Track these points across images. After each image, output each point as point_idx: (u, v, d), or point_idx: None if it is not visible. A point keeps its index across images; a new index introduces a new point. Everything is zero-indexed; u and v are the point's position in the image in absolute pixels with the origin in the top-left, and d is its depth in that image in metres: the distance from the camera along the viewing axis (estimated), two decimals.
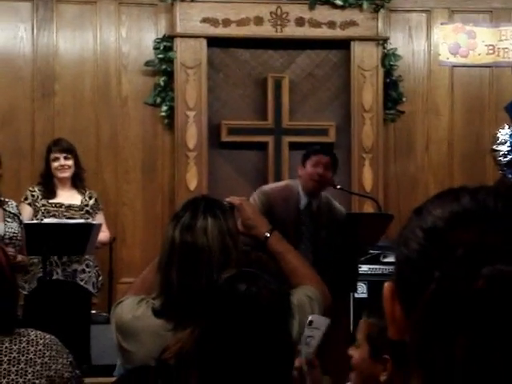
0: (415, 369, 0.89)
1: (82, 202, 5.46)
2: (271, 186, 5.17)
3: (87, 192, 5.53)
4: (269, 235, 2.52)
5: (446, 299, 0.84)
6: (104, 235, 5.46)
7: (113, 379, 2.45)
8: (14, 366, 2.34)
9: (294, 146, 6.71)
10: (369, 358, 2.26)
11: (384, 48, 6.84)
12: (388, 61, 6.83)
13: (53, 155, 5.42)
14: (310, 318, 2.13)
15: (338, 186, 5.39)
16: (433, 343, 0.85)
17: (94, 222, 5.18)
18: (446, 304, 0.84)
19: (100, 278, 5.49)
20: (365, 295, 5.63)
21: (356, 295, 5.46)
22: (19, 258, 4.47)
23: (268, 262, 2.47)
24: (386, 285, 0.92)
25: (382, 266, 5.76)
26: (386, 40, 6.84)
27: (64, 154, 5.41)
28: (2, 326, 2.37)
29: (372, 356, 2.25)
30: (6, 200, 4.63)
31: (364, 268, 5.67)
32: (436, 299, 0.85)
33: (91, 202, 5.50)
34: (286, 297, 1.93)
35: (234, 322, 1.81)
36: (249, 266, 2.11)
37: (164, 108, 6.59)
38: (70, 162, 5.42)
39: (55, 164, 5.40)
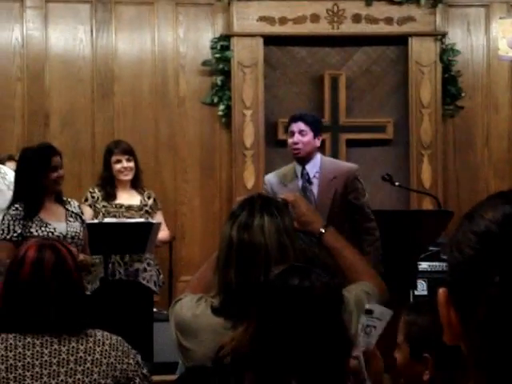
0: (475, 372, 0.88)
1: (141, 202, 5.50)
2: (272, 173, 5.13)
3: (146, 192, 5.57)
4: (324, 231, 2.52)
5: (510, 303, 0.83)
6: (164, 234, 5.49)
7: (175, 377, 2.47)
8: (80, 365, 2.36)
9: (351, 144, 6.69)
10: (409, 359, 2.21)
11: (442, 43, 6.77)
12: (446, 56, 6.76)
13: (115, 157, 5.43)
14: (367, 306, 2.11)
15: (397, 183, 5.36)
16: (496, 347, 0.84)
17: (154, 221, 5.22)
18: (509, 308, 0.83)
19: (161, 277, 5.53)
20: (425, 292, 5.58)
21: (416, 292, 5.42)
22: (81, 256, 4.53)
23: (325, 259, 2.47)
24: (441, 290, 0.91)
25: (441, 263, 5.70)
26: (444, 35, 6.77)
27: (126, 156, 5.43)
28: (70, 327, 2.40)
29: (412, 356, 2.20)
30: (69, 200, 4.68)
31: (424, 265, 5.62)
32: (498, 303, 0.84)
33: (150, 201, 5.54)
34: (339, 289, 1.92)
35: (287, 317, 1.81)
36: (306, 263, 2.11)
37: (221, 107, 6.62)
38: (132, 164, 5.44)
39: (118, 166, 5.42)
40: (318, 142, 4.89)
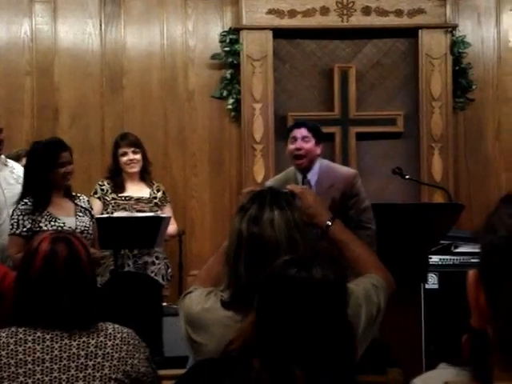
0: (500, 357, 0.87)
1: (150, 195, 5.51)
2: (274, 178, 5.10)
3: (155, 185, 5.57)
4: (330, 224, 2.51)
5: None
6: (172, 228, 5.49)
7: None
8: (90, 360, 2.35)
9: (361, 137, 6.67)
10: None
11: (453, 35, 6.74)
12: (457, 48, 6.73)
13: (121, 150, 5.46)
14: None
15: (407, 176, 5.34)
16: None
17: (164, 215, 5.22)
18: None
19: (169, 270, 5.53)
20: (436, 286, 5.56)
21: (427, 286, 5.40)
22: (92, 250, 4.53)
23: (333, 252, 2.46)
24: (471, 272, 0.90)
25: (452, 257, 5.68)
26: (454, 27, 6.74)
27: (132, 149, 5.45)
28: (80, 321, 2.38)
29: None
30: (78, 195, 4.69)
31: (435, 259, 5.59)
32: None
33: (159, 194, 5.54)
34: (340, 281, 1.91)
35: (286, 307, 1.81)
36: (315, 256, 2.10)
37: (230, 101, 6.61)
38: (139, 156, 5.46)
39: (124, 159, 5.45)
40: (319, 150, 4.82)
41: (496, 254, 0.87)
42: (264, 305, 1.85)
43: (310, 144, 4.76)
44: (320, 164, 4.82)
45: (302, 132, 4.78)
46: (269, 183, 4.93)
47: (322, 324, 1.80)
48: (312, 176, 4.78)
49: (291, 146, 4.76)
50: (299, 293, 1.82)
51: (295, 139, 4.76)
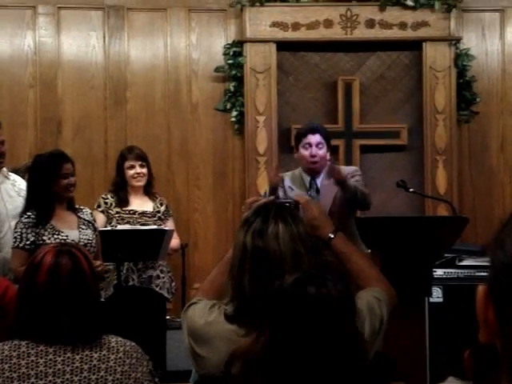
0: (507, 370, 0.86)
1: (154, 209, 5.49)
2: (287, 172, 5.15)
3: (158, 199, 5.56)
4: (333, 236, 2.51)
5: None
6: (175, 242, 5.47)
7: None
8: (94, 374, 2.34)
9: (365, 149, 6.65)
10: None
11: (457, 48, 6.73)
12: (461, 61, 6.72)
13: (128, 163, 5.43)
14: None
15: (411, 189, 5.32)
16: None
17: (167, 228, 5.20)
18: None
19: (173, 284, 5.51)
20: (440, 299, 5.54)
21: (431, 299, 5.38)
22: (97, 263, 4.52)
23: (337, 266, 2.45)
24: (480, 288, 0.89)
25: (457, 270, 5.66)
26: (458, 40, 6.73)
27: (139, 162, 5.44)
28: (83, 334, 2.37)
29: None
30: (81, 207, 4.68)
31: (439, 272, 5.57)
32: None
33: (162, 208, 5.53)
34: (353, 297, 1.91)
35: (303, 325, 1.79)
36: (320, 270, 2.08)
37: (234, 113, 6.60)
38: (145, 170, 5.45)
39: (131, 172, 5.42)
40: (329, 156, 4.96)
41: (504, 270, 0.86)
42: (278, 324, 1.82)
43: (323, 150, 4.89)
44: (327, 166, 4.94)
45: (316, 138, 4.88)
46: (284, 173, 5.00)
47: (337, 341, 1.79)
48: (319, 179, 4.90)
49: (305, 152, 4.86)
50: (317, 310, 1.80)
51: (310, 145, 4.86)
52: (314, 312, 1.80)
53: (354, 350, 1.80)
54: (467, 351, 2.08)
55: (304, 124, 5.44)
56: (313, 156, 4.84)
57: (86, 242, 4.54)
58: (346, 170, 5.04)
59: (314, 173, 4.89)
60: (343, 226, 4.76)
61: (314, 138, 4.88)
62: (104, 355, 2.36)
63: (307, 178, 4.91)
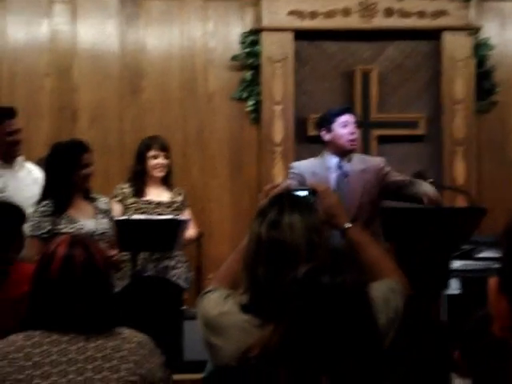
0: None
1: (171, 199, 5.48)
2: (300, 161, 5.19)
3: (175, 189, 5.54)
4: (349, 225, 2.51)
5: None
6: (191, 232, 5.47)
7: None
8: (107, 362, 2.36)
9: (382, 140, 6.63)
10: None
11: (476, 38, 6.68)
12: (480, 51, 6.67)
13: (152, 152, 5.41)
14: None
15: (430, 180, 5.27)
16: None
17: (182, 218, 5.19)
18: None
19: (190, 274, 5.51)
20: (458, 291, 5.51)
21: (449, 291, 5.35)
22: (112, 251, 4.51)
23: (352, 256, 2.45)
24: (492, 280, 0.86)
25: (475, 262, 5.63)
26: (477, 29, 6.67)
27: (164, 153, 5.43)
28: (97, 324, 2.40)
29: None
30: (97, 196, 4.67)
31: (457, 264, 5.54)
32: None
33: (179, 198, 5.51)
34: (367, 286, 1.91)
35: (319, 315, 1.80)
36: (335, 260, 2.08)
37: (250, 102, 6.58)
38: (167, 162, 5.44)
39: (154, 162, 5.40)
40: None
41: None
42: (295, 313, 1.83)
43: (357, 132, 5.03)
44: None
45: (352, 118, 4.98)
46: (298, 164, 5.04)
47: (353, 330, 1.80)
48: (345, 162, 4.94)
49: (344, 131, 4.90)
50: (333, 299, 1.81)
51: (347, 124, 4.92)
52: (329, 301, 1.81)
53: (370, 339, 1.81)
54: (457, 352, 2.08)
55: (330, 108, 5.42)
56: (352, 133, 4.91)
57: (102, 231, 4.53)
58: (372, 159, 5.10)
59: (344, 154, 4.92)
60: (370, 221, 4.78)
61: (351, 118, 4.98)
62: (117, 344, 2.39)
63: (334, 160, 4.93)
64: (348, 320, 1.80)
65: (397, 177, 4.99)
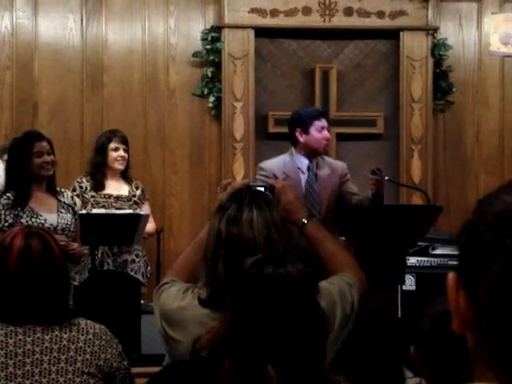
0: (482, 358, 0.86)
1: (129, 193, 5.49)
2: (269, 161, 5.20)
3: (134, 183, 5.56)
4: (306, 221, 2.52)
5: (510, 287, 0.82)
6: (150, 226, 5.48)
7: None
8: (63, 354, 2.35)
9: (341, 137, 6.67)
10: None
11: (434, 38, 6.76)
12: (438, 51, 6.75)
13: (113, 145, 5.43)
14: None
15: (387, 178, 5.34)
16: (501, 336, 0.83)
17: (143, 213, 5.20)
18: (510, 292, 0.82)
19: (149, 268, 5.52)
20: (413, 288, 5.58)
21: (404, 288, 5.42)
22: (75, 245, 4.51)
23: (310, 251, 2.47)
24: (450, 275, 0.90)
25: (430, 259, 5.70)
26: (435, 30, 6.75)
27: (124, 146, 5.45)
28: (54, 315, 2.39)
29: None
30: (62, 190, 4.67)
31: (412, 260, 5.61)
32: (499, 286, 0.83)
33: (138, 192, 5.53)
34: (314, 276, 1.92)
35: (263, 305, 1.81)
36: (287, 253, 2.10)
37: (211, 99, 6.59)
38: (127, 155, 5.47)
39: (114, 154, 5.42)
40: None
41: (472, 251, 0.87)
42: (239, 303, 1.85)
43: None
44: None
45: (326, 123, 5.09)
46: (268, 165, 5.05)
47: (297, 319, 1.81)
48: (314, 164, 5.03)
49: (319, 135, 4.99)
50: (276, 290, 1.82)
51: (323, 128, 5.02)
52: (272, 291, 1.82)
53: (313, 327, 1.82)
54: (413, 348, 2.11)
55: (306, 108, 5.54)
56: (327, 139, 5.03)
57: (64, 226, 4.53)
58: (338, 164, 5.20)
59: (315, 156, 5.01)
60: (333, 223, 4.87)
61: (326, 122, 5.08)
62: (74, 336, 2.37)
63: (305, 162, 4.99)
64: (290, 309, 1.80)
65: (351, 188, 5.08)
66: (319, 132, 4.98)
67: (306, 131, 4.98)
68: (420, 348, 2.08)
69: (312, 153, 5.00)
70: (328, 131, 5.08)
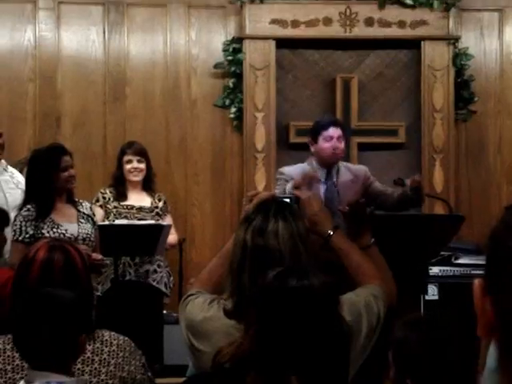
0: (506, 364, 0.87)
1: (152, 204, 5.51)
2: (289, 167, 5.19)
3: (156, 194, 5.58)
4: (332, 233, 2.52)
5: None
6: (172, 237, 5.50)
7: None
8: (87, 365, 2.36)
9: (363, 147, 6.67)
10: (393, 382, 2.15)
11: (455, 47, 6.75)
12: (459, 60, 6.74)
13: (126, 157, 5.47)
14: None
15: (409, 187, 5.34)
16: None
17: (164, 223, 5.22)
18: None
19: (171, 278, 5.53)
20: (435, 297, 5.56)
21: (427, 297, 5.40)
22: (99, 256, 4.53)
23: (337, 262, 2.46)
24: (476, 281, 0.90)
25: (453, 268, 5.68)
26: (457, 39, 6.75)
27: (137, 157, 5.47)
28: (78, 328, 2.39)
29: (396, 380, 2.14)
30: (80, 201, 4.69)
31: (435, 270, 5.60)
32: None
33: (160, 204, 5.55)
34: (336, 288, 1.92)
35: (287, 317, 1.80)
36: (319, 268, 2.11)
37: (233, 110, 6.62)
38: (143, 166, 5.48)
39: (128, 166, 5.46)
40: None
41: (500, 260, 0.87)
42: (263, 316, 1.84)
43: (343, 144, 5.03)
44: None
45: (337, 132, 4.99)
46: (289, 170, 5.03)
47: (321, 331, 1.81)
48: (334, 172, 5.01)
49: (327, 145, 4.95)
50: (300, 302, 1.82)
51: (331, 138, 4.95)
52: (295, 303, 1.81)
53: (336, 340, 1.82)
54: (390, 353, 2.11)
55: (321, 117, 5.51)
56: (335, 149, 4.94)
57: (85, 236, 4.55)
58: (359, 169, 5.19)
59: (329, 165, 4.98)
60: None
61: (336, 132, 4.99)
62: (97, 348, 2.39)
63: (323, 171, 4.99)
64: (314, 322, 1.80)
65: (380, 187, 5.09)
66: (327, 141, 4.96)
67: (315, 140, 5.01)
68: (394, 354, 2.10)
69: (323, 162, 4.99)
70: (340, 140, 4.99)
